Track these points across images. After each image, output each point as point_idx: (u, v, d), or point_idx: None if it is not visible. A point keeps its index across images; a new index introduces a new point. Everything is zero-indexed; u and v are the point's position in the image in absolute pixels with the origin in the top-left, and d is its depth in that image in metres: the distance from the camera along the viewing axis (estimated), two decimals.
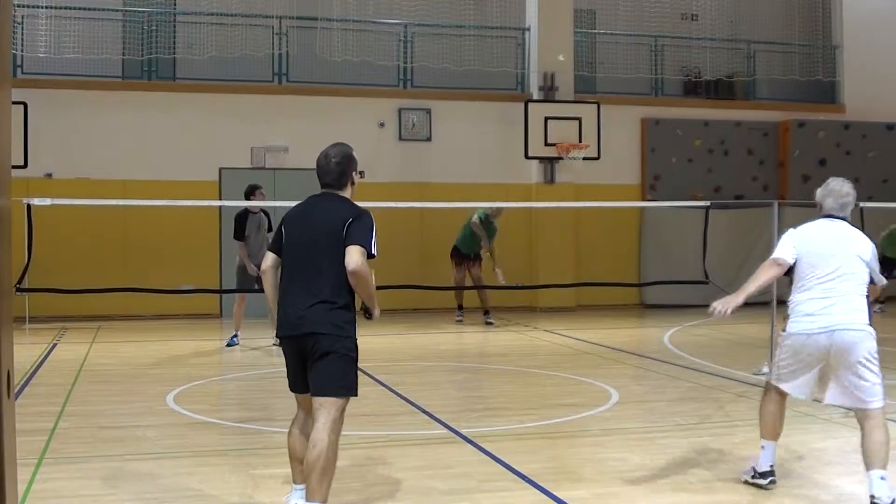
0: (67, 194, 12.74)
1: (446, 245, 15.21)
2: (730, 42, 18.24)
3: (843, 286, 5.16)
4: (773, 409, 5.47)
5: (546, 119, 16.19)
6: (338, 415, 4.47)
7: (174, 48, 15.71)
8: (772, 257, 5.40)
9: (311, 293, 4.50)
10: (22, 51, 14.71)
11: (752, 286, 5.26)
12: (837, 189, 5.45)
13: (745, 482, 5.42)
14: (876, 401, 4.99)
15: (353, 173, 4.82)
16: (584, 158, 16.22)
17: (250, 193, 11.46)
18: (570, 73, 16.86)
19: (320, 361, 4.47)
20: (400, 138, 16.49)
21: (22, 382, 8.86)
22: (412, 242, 15.62)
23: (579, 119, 16.28)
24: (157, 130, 15.43)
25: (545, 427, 7.02)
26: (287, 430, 4.81)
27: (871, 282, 5.32)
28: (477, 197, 14.79)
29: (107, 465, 5.87)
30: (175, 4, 16.35)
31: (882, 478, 4.87)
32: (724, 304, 5.18)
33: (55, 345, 11.88)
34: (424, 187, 15.77)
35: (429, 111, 16.56)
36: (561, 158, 16.40)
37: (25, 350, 10.38)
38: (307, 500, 4.45)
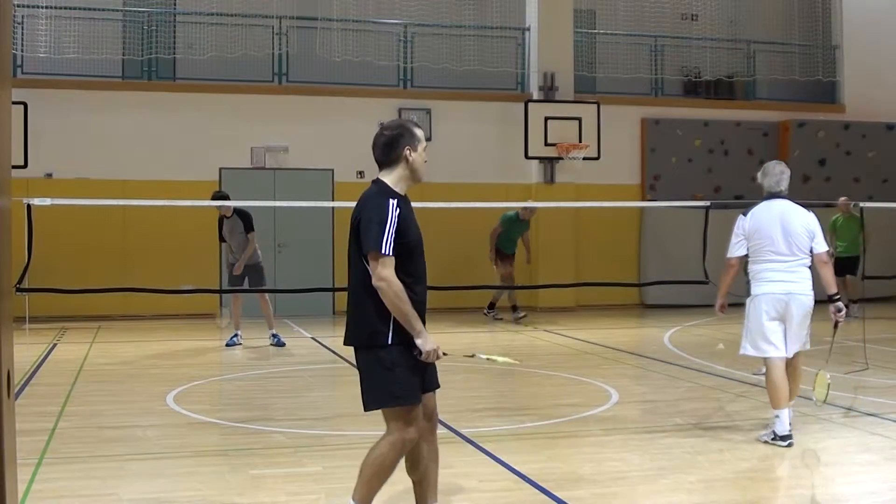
0: (67, 194, 12.75)
1: (446, 245, 15.20)
2: (730, 42, 18.24)
3: (793, 257, 6.26)
4: (778, 381, 6.24)
5: (546, 119, 16.19)
6: (401, 425, 4.18)
7: (174, 48, 15.71)
8: (726, 257, 6.49)
9: (350, 302, 4.27)
10: (22, 51, 14.71)
11: (723, 290, 6.52)
12: (771, 169, 6.53)
13: (765, 443, 6.21)
14: (807, 344, 6.41)
15: (408, 150, 4.24)
16: (584, 158, 16.22)
17: (216, 199, 11.58)
18: (570, 73, 16.86)
19: (361, 375, 4.25)
20: None
21: (22, 382, 8.85)
22: None
23: (579, 119, 16.29)
24: (157, 130, 15.42)
25: (545, 427, 7.02)
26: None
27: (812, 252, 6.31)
28: (477, 197, 14.78)
29: (107, 465, 5.87)
30: (175, 4, 16.35)
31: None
32: (720, 311, 6.62)
33: (55, 345, 11.88)
34: (424, 187, 15.59)
35: (429, 111, 16.56)
36: (561, 158, 16.40)
37: (25, 350, 10.38)
38: (353, 498, 4.33)
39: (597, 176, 16.46)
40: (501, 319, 14.83)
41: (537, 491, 5.25)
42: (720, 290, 6.54)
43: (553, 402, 8.33)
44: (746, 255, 6.41)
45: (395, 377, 4.14)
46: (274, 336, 11.84)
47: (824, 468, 5.82)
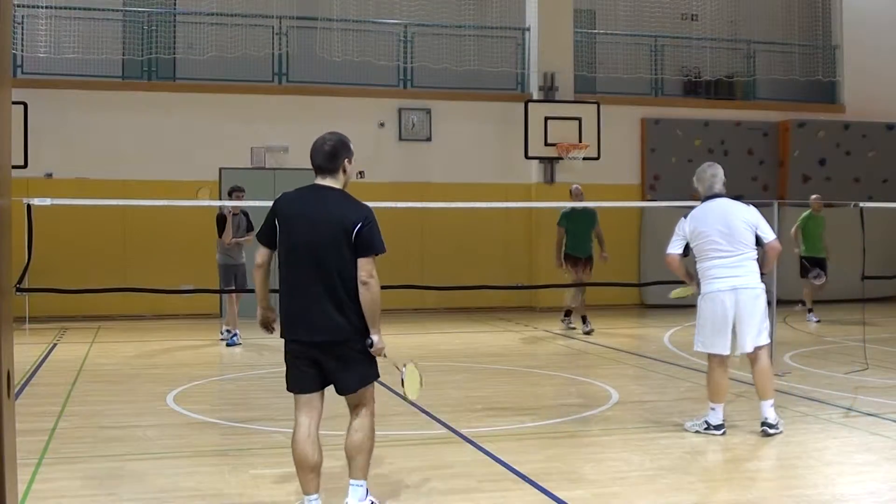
0: (67, 194, 12.77)
1: (446, 245, 15.21)
2: (730, 42, 18.25)
3: (737, 251, 6.44)
4: (721, 380, 6.59)
5: (546, 119, 16.19)
6: (372, 400, 4.79)
7: (174, 48, 15.72)
8: (666, 253, 6.73)
9: (322, 298, 4.56)
10: (22, 51, 14.71)
11: (683, 276, 6.81)
12: (701, 174, 6.77)
13: (697, 432, 6.55)
14: (764, 339, 6.52)
15: (346, 161, 4.74)
16: (584, 158, 16.22)
17: (230, 194, 11.99)
18: (570, 73, 16.86)
19: (346, 364, 4.62)
20: (400, 138, 16.49)
21: (22, 382, 8.86)
22: (412, 242, 15.61)
23: (579, 119, 16.29)
24: (157, 130, 15.43)
25: (545, 427, 7.02)
26: (291, 439, 4.73)
27: (761, 244, 6.49)
28: (477, 197, 14.79)
29: (107, 465, 5.87)
30: (175, 4, 16.35)
31: (771, 405, 6.45)
32: (689, 282, 6.83)
33: (55, 345, 11.88)
34: (424, 187, 15.77)
35: (429, 111, 16.56)
36: (561, 158, 16.40)
37: (25, 350, 10.38)
38: (353, 478, 4.70)
39: (597, 176, 16.45)
40: (575, 328, 13.35)
41: (537, 491, 5.24)
42: (683, 277, 6.86)
43: (553, 402, 8.33)
44: (685, 255, 6.65)
45: (373, 360, 4.71)
46: (231, 334, 11.99)
47: (824, 468, 5.82)
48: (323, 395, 4.76)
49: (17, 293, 8.68)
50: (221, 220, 11.98)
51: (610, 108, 16.66)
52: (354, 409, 4.74)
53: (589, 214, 12.99)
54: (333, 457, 6.06)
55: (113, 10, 15.75)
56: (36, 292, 10.27)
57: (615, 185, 16.90)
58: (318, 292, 4.57)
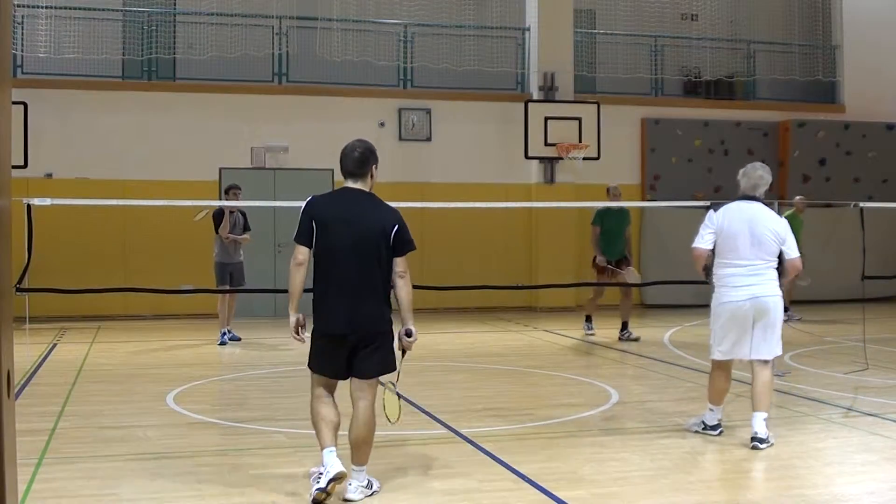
0: (67, 194, 12.76)
1: (446, 245, 15.19)
2: (730, 42, 18.25)
3: (759, 260, 6.21)
4: (722, 384, 6.53)
5: (546, 119, 16.19)
6: (374, 392, 5.18)
7: (174, 48, 15.72)
8: (692, 247, 6.45)
9: (364, 293, 5.03)
10: (22, 51, 14.71)
11: (700, 272, 6.58)
12: (752, 172, 6.42)
13: (696, 432, 6.54)
14: (776, 351, 6.34)
15: (374, 167, 5.24)
16: (584, 158, 16.22)
17: (226, 192, 12.09)
18: (570, 73, 16.86)
19: (375, 352, 5.07)
20: (400, 138, 16.49)
21: (22, 382, 8.86)
22: None
23: (579, 119, 16.29)
24: (157, 130, 15.43)
25: (545, 427, 7.02)
26: (310, 405, 5.21)
27: (782, 258, 6.27)
28: (477, 197, 14.78)
29: (107, 465, 5.87)
30: (175, 4, 16.36)
31: (765, 419, 6.16)
32: (706, 278, 6.58)
33: (55, 345, 11.88)
34: (424, 187, 15.77)
35: (429, 111, 16.56)
36: (561, 158, 16.40)
37: (25, 350, 10.37)
38: (358, 464, 5.12)
39: (597, 176, 16.44)
40: (638, 339, 12.27)
41: (537, 491, 5.25)
42: (700, 271, 6.65)
43: (553, 402, 8.33)
44: (713, 252, 6.40)
45: (392, 350, 5.16)
46: (227, 333, 12.05)
47: (824, 468, 5.82)
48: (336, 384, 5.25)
49: (17, 293, 8.68)
50: (219, 215, 12.00)
51: (610, 108, 16.66)
52: (359, 399, 5.11)
53: (624, 214, 12.50)
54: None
55: (113, 10, 15.75)
56: (36, 292, 10.26)
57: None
58: (358, 288, 5.02)
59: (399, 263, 5.09)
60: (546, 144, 16.19)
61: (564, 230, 16.56)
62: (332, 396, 5.20)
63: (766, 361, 6.31)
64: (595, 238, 12.42)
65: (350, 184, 5.20)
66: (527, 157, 16.26)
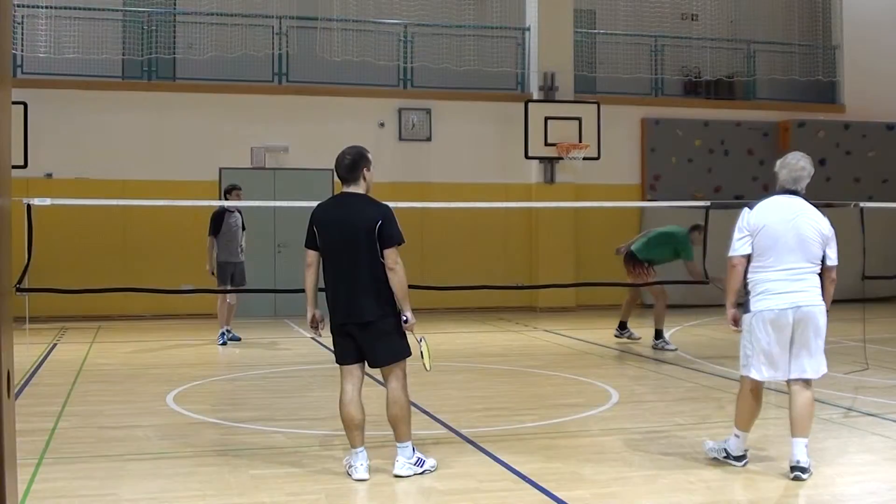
0: (67, 194, 12.77)
1: (446, 245, 15.18)
2: (730, 42, 18.25)
3: (802, 263, 5.42)
4: (753, 406, 5.65)
5: (546, 119, 16.19)
6: (403, 374, 5.54)
7: (174, 48, 15.72)
8: (728, 256, 5.56)
9: (356, 288, 5.43)
10: (22, 51, 14.71)
11: (731, 298, 5.62)
12: (793, 163, 5.59)
13: (713, 459, 5.77)
14: (822, 369, 5.53)
15: (365, 169, 5.58)
16: (584, 158, 16.22)
17: (228, 192, 12.04)
18: (570, 73, 16.86)
19: (377, 341, 5.45)
20: (400, 138, 16.49)
21: (22, 382, 8.85)
22: (412, 242, 15.45)
23: (579, 119, 16.28)
24: (157, 130, 15.43)
25: (545, 427, 7.01)
26: (339, 402, 5.57)
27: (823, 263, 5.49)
28: (477, 197, 14.78)
29: (107, 465, 5.87)
30: (175, 4, 16.36)
31: (805, 445, 5.43)
32: (734, 328, 5.66)
33: (55, 345, 11.88)
34: (424, 187, 15.77)
35: (429, 111, 16.56)
36: (561, 158, 16.40)
37: (25, 350, 10.38)
38: (399, 441, 5.53)
39: (597, 176, 16.46)
40: (640, 339, 12.06)
41: (537, 491, 5.24)
42: (728, 299, 5.64)
43: (553, 402, 8.33)
44: (751, 255, 5.52)
45: (402, 338, 5.53)
46: (227, 333, 12.05)
47: (824, 468, 5.81)
48: (363, 366, 5.58)
49: (17, 293, 8.68)
50: (219, 216, 11.96)
51: (610, 108, 16.66)
52: (387, 381, 5.56)
53: (683, 241, 11.42)
54: (335, 457, 6.07)
55: (113, 10, 15.75)
56: (36, 292, 10.26)
57: (615, 185, 16.90)
58: (351, 281, 5.44)
59: (387, 256, 5.41)
60: (546, 144, 16.19)
61: (564, 230, 16.57)
62: (357, 391, 5.52)
63: (807, 381, 5.53)
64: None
65: (345, 188, 5.62)
66: (527, 157, 16.26)
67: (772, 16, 18.39)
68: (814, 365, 5.50)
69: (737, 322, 5.61)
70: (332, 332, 5.59)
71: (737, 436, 5.70)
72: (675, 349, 11.24)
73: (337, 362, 5.61)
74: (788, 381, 5.53)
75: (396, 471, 5.47)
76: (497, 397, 8.60)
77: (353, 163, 5.57)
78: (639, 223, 17.29)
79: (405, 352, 5.54)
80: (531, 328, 14.09)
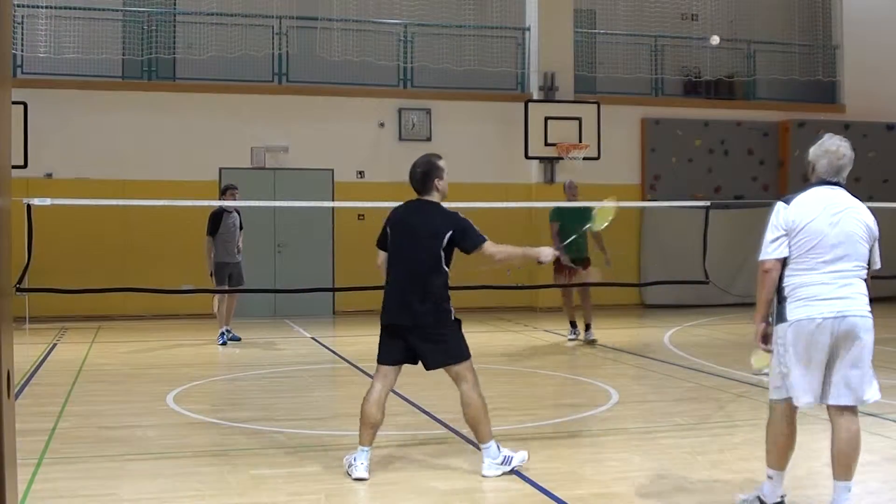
0: (67, 194, 12.75)
1: None
2: (730, 42, 18.24)
3: (848, 265, 4.61)
4: (787, 438, 4.75)
5: (546, 119, 16.19)
6: (471, 375, 5.58)
7: (174, 48, 15.72)
8: (760, 260, 4.70)
9: (413, 290, 5.50)
10: (22, 51, 14.71)
11: (762, 309, 4.72)
12: (834, 149, 4.72)
13: None
14: (869, 394, 4.69)
15: (437, 180, 5.79)
16: (584, 158, 16.21)
17: (223, 192, 12.13)
18: (570, 73, 16.86)
19: (429, 343, 5.52)
20: (400, 138, 16.49)
21: (22, 382, 8.86)
22: None
23: (579, 119, 16.29)
24: (157, 130, 15.43)
25: (545, 427, 7.02)
26: (363, 398, 5.58)
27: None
28: (477, 197, 14.76)
29: (107, 465, 5.87)
30: (175, 4, 16.35)
31: (850, 490, 4.68)
32: (763, 346, 4.81)
33: (55, 345, 11.88)
34: None
35: (429, 111, 16.56)
36: (561, 158, 16.40)
37: (25, 350, 10.38)
38: (480, 442, 5.57)
39: (597, 176, 16.44)
40: (576, 339, 12.21)
41: (537, 491, 5.25)
42: (758, 311, 4.73)
43: (553, 402, 8.33)
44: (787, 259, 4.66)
45: (459, 341, 5.63)
46: (227, 333, 12.05)
47: (825, 468, 5.81)
48: (399, 371, 5.63)
49: (17, 293, 8.69)
50: (217, 216, 11.98)
51: (610, 108, 16.66)
52: (456, 384, 5.62)
53: (585, 213, 11.25)
54: (335, 457, 6.07)
55: (113, 10, 15.75)
56: (36, 292, 10.26)
57: (615, 185, 16.87)
58: (407, 285, 5.54)
59: (485, 252, 5.69)
60: (546, 144, 16.20)
61: None
62: (385, 392, 5.58)
63: (852, 408, 4.67)
64: (554, 235, 11.77)
65: (419, 196, 5.83)
66: (527, 157, 16.26)
67: (772, 16, 18.40)
68: (861, 387, 4.65)
69: (767, 339, 4.77)
70: (381, 331, 5.66)
71: (770, 477, 4.80)
72: (596, 340, 11.90)
73: (377, 361, 5.66)
74: (829, 408, 4.69)
75: (484, 472, 5.51)
76: (497, 397, 8.57)
77: (423, 175, 5.77)
78: (639, 223, 17.32)
79: (462, 354, 5.58)
80: (531, 328, 14.09)
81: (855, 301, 4.63)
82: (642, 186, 17.48)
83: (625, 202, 16.56)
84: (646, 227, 17.25)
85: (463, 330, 5.69)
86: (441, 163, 5.83)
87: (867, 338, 4.68)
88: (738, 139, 17.82)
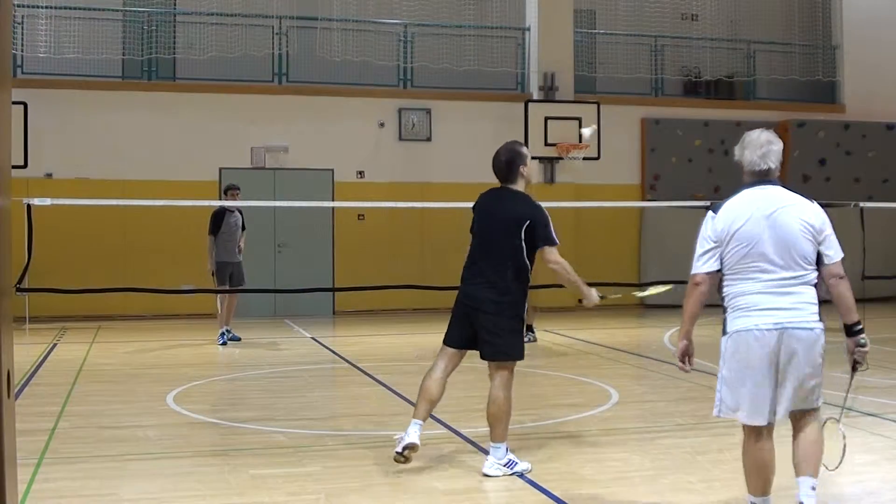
0: (67, 194, 12.77)
1: (446, 245, 15.11)
2: (730, 42, 18.25)
3: (787, 273, 4.28)
4: (763, 459, 4.49)
5: (546, 119, 16.19)
6: (508, 374, 5.55)
7: (174, 48, 15.72)
8: (691, 273, 4.49)
9: (483, 274, 5.59)
10: (22, 51, 14.72)
11: (685, 325, 4.58)
12: (754, 139, 4.55)
13: None
14: (819, 399, 4.52)
15: (522, 167, 5.81)
16: (584, 158, 16.21)
17: (225, 192, 12.17)
18: (570, 73, 16.86)
19: (489, 334, 5.51)
20: (400, 138, 16.49)
21: (22, 382, 8.85)
22: (412, 242, 15.60)
23: (579, 119, 16.27)
24: (157, 130, 15.43)
25: (545, 427, 7.02)
26: (425, 374, 5.74)
27: (819, 263, 4.37)
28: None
29: (107, 465, 5.87)
30: (175, 4, 16.36)
31: (813, 487, 4.48)
32: (680, 366, 4.68)
33: (55, 345, 11.88)
34: (424, 187, 15.76)
35: (429, 111, 16.56)
36: (561, 158, 16.39)
37: (25, 350, 10.38)
38: (492, 441, 5.54)
39: (597, 176, 16.46)
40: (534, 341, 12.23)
41: (537, 491, 5.25)
42: (683, 326, 4.61)
43: (553, 402, 8.33)
44: (720, 271, 4.44)
45: (515, 340, 5.63)
46: (227, 333, 12.04)
47: (824, 468, 5.81)
48: (462, 355, 5.72)
49: (17, 293, 8.69)
50: (219, 216, 11.98)
51: (610, 108, 16.65)
52: (491, 377, 5.58)
53: None
54: (335, 457, 6.07)
55: (113, 10, 15.75)
56: (36, 292, 10.28)
57: (615, 185, 16.90)
58: (482, 269, 5.62)
59: (545, 257, 5.68)
60: (546, 144, 16.19)
61: (564, 230, 16.38)
62: (447, 371, 5.66)
63: (806, 413, 4.57)
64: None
65: (503, 183, 5.85)
66: None
67: (772, 16, 18.40)
68: (807, 397, 4.47)
69: (686, 357, 4.61)
70: (452, 309, 5.78)
71: (752, 503, 4.51)
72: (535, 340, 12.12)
73: (443, 341, 5.76)
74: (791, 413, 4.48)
75: (485, 470, 5.50)
76: None
77: (508, 162, 5.80)
78: (639, 223, 17.32)
79: (513, 353, 5.57)
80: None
81: (797, 312, 4.29)
82: (642, 186, 17.49)
83: (625, 202, 16.66)
84: (646, 227, 17.25)
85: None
86: (524, 150, 5.88)
87: (815, 349, 4.37)
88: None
